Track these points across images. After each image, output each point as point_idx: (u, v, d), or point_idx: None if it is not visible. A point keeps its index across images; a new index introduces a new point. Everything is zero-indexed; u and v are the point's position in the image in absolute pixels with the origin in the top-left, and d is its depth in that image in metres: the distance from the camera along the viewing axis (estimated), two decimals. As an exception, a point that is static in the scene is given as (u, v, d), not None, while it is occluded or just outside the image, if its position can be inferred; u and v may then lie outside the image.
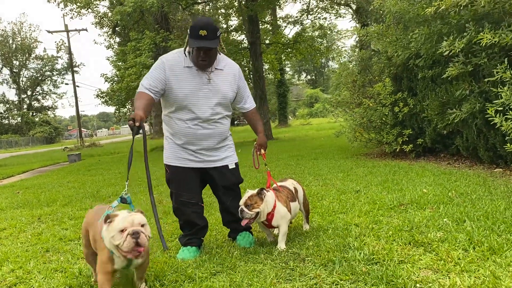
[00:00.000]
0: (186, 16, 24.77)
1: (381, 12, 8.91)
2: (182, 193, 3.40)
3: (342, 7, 23.55)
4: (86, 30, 33.07)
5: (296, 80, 73.98)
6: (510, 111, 4.77)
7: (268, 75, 31.45)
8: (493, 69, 5.17)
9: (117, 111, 21.23)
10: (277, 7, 23.69)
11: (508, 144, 4.93)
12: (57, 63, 61.46)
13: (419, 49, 6.89)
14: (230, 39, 21.91)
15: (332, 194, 5.20)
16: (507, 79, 4.88)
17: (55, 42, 73.79)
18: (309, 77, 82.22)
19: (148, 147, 21.33)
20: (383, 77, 8.92)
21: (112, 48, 27.92)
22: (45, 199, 6.88)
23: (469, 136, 6.42)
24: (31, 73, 61.43)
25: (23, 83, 61.44)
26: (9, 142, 51.46)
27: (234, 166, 3.55)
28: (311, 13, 22.93)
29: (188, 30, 3.16)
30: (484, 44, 5.16)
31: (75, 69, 44.46)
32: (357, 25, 20.82)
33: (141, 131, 2.98)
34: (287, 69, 55.13)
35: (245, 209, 3.21)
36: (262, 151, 3.64)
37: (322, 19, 23.60)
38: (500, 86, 4.88)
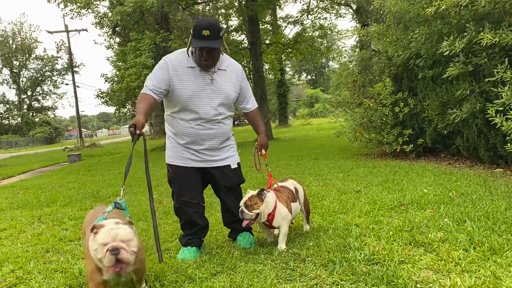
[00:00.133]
0: (186, 16, 24.77)
1: (381, 12, 8.91)
2: (184, 192, 3.40)
3: (342, 7, 23.56)
4: (86, 30, 33.12)
5: (297, 80, 73.98)
6: (511, 111, 4.77)
7: (268, 75, 31.44)
8: (493, 69, 5.17)
9: (117, 111, 21.19)
10: (277, 7, 23.70)
11: (509, 144, 4.93)
12: (57, 63, 61.52)
13: (419, 49, 6.89)
14: (230, 39, 21.92)
15: (333, 194, 5.19)
16: (507, 79, 4.88)
17: (55, 42, 73.87)
18: (309, 77, 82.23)
19: (148, 147, 21.35)
20: (384, 77, 8.92)
21: (112, 48, 27.92)
22: (45, 200, 6.88)
23: (469, 136, 6.41)
24: (31, 73, 61.48)
25: (23, 83, 61.46)
26: (9, 142, 51.47)
27: (236, 166, 3.55)
28: (311, 13, 22.94)
29: (191, 30, 3.16)
30: (484, 44, 5.16)
31: (75, 69, 44.51)
32: (357, 25, 20.82)
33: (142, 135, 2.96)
34: (287, 69, 55.17)
35: (245, 210, 3.21)
36: (263, 151, 3.64)
37: (322, 19, 23.62)
38: (501, 86, 4.88)
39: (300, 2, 23.95)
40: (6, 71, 59.67)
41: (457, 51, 5.63)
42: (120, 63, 19.27)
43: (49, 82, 62.86)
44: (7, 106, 61.04)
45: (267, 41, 23.40)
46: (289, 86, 46.75)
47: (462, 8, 5.56)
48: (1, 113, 60.77)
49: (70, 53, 34.72)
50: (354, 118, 9.15)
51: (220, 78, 3.34)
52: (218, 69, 3.34)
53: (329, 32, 24.77)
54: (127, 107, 20.55)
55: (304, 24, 23.76)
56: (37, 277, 3.16)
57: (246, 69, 22.92)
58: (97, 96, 20.95)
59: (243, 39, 23.29)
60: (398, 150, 8.11)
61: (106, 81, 19.62)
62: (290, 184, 3.67)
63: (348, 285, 2.53)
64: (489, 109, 5.01)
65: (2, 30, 58.36)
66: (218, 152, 3.46)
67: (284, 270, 2.83)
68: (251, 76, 20.05)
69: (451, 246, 2.95)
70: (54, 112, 66.09)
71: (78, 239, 4.19)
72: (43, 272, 3.23)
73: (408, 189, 5.01)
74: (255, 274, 2.80)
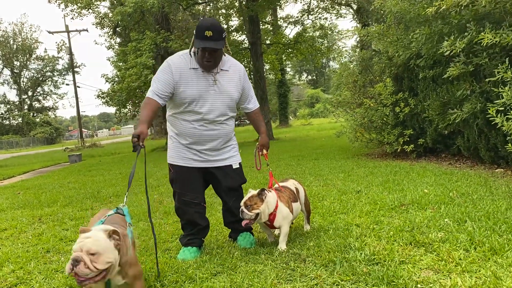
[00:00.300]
0: (187, 16, 24.76)
1: (382, 12, 8.91)
2: (186, 192, 3.40)
3: (343, 7, 23.55)
4: (86, 30, 33.05)
5: (297, 80, 73.95)
6: (511, 111, 4.76)
7: (269, 75, 31.43)
8: (494, 69, 5.17)
9: (118, 112, 21.18)
10: (278, 7, 23.70)
11: (509, 144, 4.92)
12: (57, 64, 61.52)
13: (420, 49, 6.89)
14: (231, 40, 21.92)
15: (333, 195, 5.19)
16: (508, 79, 4.87)
17: (56, 42, 73.68)
18: (310, 77, 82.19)
19: (149, 148, 21.35)
20: (384, 77, 8.91)
21: (113, 49, 27.93)
22: (45, 200, 6.88)
23: (470, 136, 6.41)
24: (32, 74, 61.50)
25: (24, 83, 61.50)
26: (10, 142, 51.50)
27: (238, 166, 3.56)
28: (311, 13, 22.93)
29: (194, 31, 3.16)
30: (485, 44, 5.15)
31: (76, 69, 44.56)
32: (358, 25, 20.82)
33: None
34: (288, 69, 55.13)
35: (245, 210, 3.21)
36: (264, 151, 3.64)
37: (323, 19, 23.64)
38: (501, 86, 4.88)
39: (301, 2, 23.97)
40: (7, 72, 59.76)
41: (458, 51, 5.62)
42: (121, 63, 19.27)
43: (49, 83, 62.90)
44: (8, 106, 61.08)
45: (268, 41, 23.41)
46: (289, 86, 46.75)
47: (462, 8, 5.56)
48: (2, 114, 60.83)
49: (70, 53, 34.74)
50: (355, 118, 9.15)
51: (223, 79, 3.34)
52: (221, 69, 3.34)
53: (329, 32, 24.79)
54: (128, 107, 20.54)
55: (305, 24, 23.76)
56: (37, 277, 3.16)
57: (247, 69, 22.91)
58: (98, 96, 20.96)
59: (244, 39, 23.30)
60: (398, 150, 8.11)
61: (106, 81, 19.64)
62: (291, 184, 3.67)
63: (348, 285, 2.53)
64: (489, 109, 5.01)
65: (3, 31, 58.47)
66: (220, 152, 3.46)
67: (284, 270, 2.83)
68: (252, 76, 20.05)
69: (452, 246, 2.94)
70: (54, 113, 66.15)
71: (78, 239, 4.19)
72: (43, 272, 3.24)
73: (408, 189, 5.01)
74: (255, 274, 2.80)
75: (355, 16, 22.92)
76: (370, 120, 8.64)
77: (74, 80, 33.05)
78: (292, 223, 3.73)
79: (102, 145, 32.84)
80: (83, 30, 32.93)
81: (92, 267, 2.14)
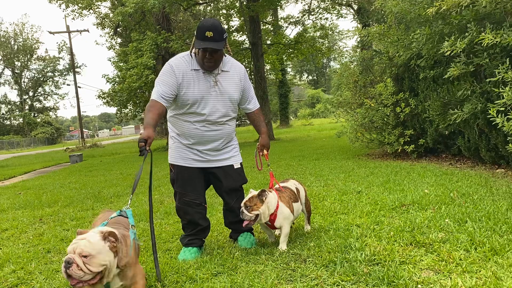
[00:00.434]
0: (187, 16, 24.79)
1: (382, 12, 8.91)
2: (187, 193, 3.41)
3: (344, 7, 23.54)
4: (87, 31, 33.12)
5: (298, 81, 73.89)
6: (512, 112, 4.77)
7: (269, 76, 31.43)
8: (494, 69, 5.17)
9: (118, 112, 21.20)
10: (279, 7, 23.70)
11: (510, 145, 4.92)
12: (58, 64, 61.59)
13: (420, 50, 6.89)
14: (232, 40, 21.92)
15: (334, 195, 5.19)
16: (508, 79, 4.87)
17: (57, 43, 74.05)
18: (310, 77, 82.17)
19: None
20: (385, 77, 8.91)
21: (114, 49, 27.93)
22: (46, 200, 6.89)
23: (470, 136, 6.41)
24: (33, 74, 61.59)
25: (25, 84, 61.59)
26: (11, 143, 51.55)
27: (239, 166, 3.56)
28: (312, 13, 22.94)
29: (195, 31, 3.16)
30: (485, 44, 5.15)
31: (77, 70, 44.58)
32: (359, 25, 20.82)
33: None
34: (289, 69, 55.04)
35: (245, 211, 3.21)
36: (265, 151, 3.64)
37: (324, 19, 23.64)
38: (502, 87, 4.87)
39: (301, 3, 23.95)
40: (8, 72, 59.87)
41: (458, 52, 5.62)
42: (122, 64, 19.29)
43: (50, 83, 62.98)
44: (9, 106, 61.20)
45: (269, 42, 23.40)
46: (290, 86, 46.73)
47: (463, 8, 5.56)
48: (3, 114, 60.93)
49: (71, 54, 34.77)
50: (355, 119, 9.15)
51: (224, 80, 3.34)
52: (222, 70, 3.34)
53: (330, 33, 24.72)
54: (129, 107, 20.56)
55: (305, 24, 23.76)
56: (38, 277, 3.17)
57: (248, 69, 22.92)
58: (99, 96, 20.99)
59: (244, 39, 23.30)
60: (399, 150, 8.11)
61: (107, 81, 19.65)
62: (292, 184, 3.67)
63: (349, 286, 2.53)
64: (490, 109, 5.01)
65: (4, 31, 58.49)
66: (221, 152, 3.47)
67: (285, 271, 2.84)
68: (253, 76, 20.05)
69: (452, 247, 2.94)
70: (55, 113, 66.26)
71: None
72: (44, 273, 3.24)
73: (409, 190, 5.01)
74: (256, 275, 2.80)
75: (355, 16, 22.93)
76: (371, 120, 8.64)
77: (75, 80, 33.09)
78: (292, 224, 3.73)
79: (103, 146, 32.86)
80: (84, 30, 32.99)
81: (85, 269, 2.11)
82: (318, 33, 23.50)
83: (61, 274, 3.17)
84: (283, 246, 3.28)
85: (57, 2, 22.04)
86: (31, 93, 62.44)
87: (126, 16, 17.66)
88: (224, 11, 22.88)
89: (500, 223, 3.34)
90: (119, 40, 28.05)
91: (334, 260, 2.88)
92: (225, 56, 3.37)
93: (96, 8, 23.93)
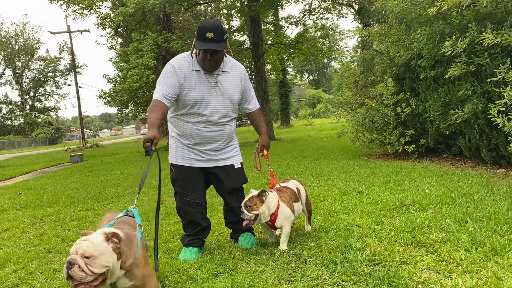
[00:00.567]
0: (188, 16, 24.80)
1: (383, 12, 8.90)
2: (187, 192, 3.41)
3: (344, 7, 23.54)
4: (88, 31, 33.10)
5: (298, 81, 73.87)
6: (513, 112, 4.76)
7: (270, 76, 31.44)
8: (495, 69, 5.16)
9: (119, 112, 21.22)
10: (279, 7, 23.69)
11: (511, 145, 4.92)
12: (59, 64, 61.69)
13: (421, 49, 6.88)
14: (232, 40, 21.92)
15: (334, 195, 5.19)
16: (509, 79, 4.87)
17: (58, 43, 74.05)
18: (311, 77, 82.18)
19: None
20: (385, 77, 8.91)
21: (115, 49, 27.95)
22: (47, 200, 6.90)
23: (471, 136, 6.40)
24: (34, 74, 61.67)
25: (26, 84, 61.67)
26: (12, 143, 51.61)
27: (239, 166, 3.56)
28: (313, 13, 22.93)
29: (196, 32, 3.16)
30: (486, 44, 5.15)
31: (78, 70, 44.63)
32: (359, 25, 20.82)
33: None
34: (289, 69, 55.05)
35: (245, 211, 3.21)
36: (265, 151, 3.64)
37: (324, 19, 23.61)
38: (503, 86, 4.87)
39: (302, 3, 23.89)
40: (9, 72, 59.95)
41: (459, 51, 5.62)
42: (122, 64, 19.31)
43: (51, 83, 63.07)
44: (10, 106, 61.27)
45: (269, 42, 23.40)
46: (291, 86, 46.73)
47: (464, 8, 5.56)
48: (4, 114, 61.00)
49: (72, 54, 34.77)
50: (356, 119, 9.15)
51: (225, 81, 3.35)
52: (222, 71, 3.34)
53: (331, 33, 24.71)
54: (130, 107, 20.59)
55: (306, 24, 23.75)
56: (39, 277, 3.17)
57: (248, 69, 22.92)
58: (100, 96, 21.02)
59: (245, 39, 23.31)
60: (400, 150, 8.10)
61: (108, 81, 19.68)
62: (292, 184, 3.67)
63: (349, 286, 2.53)
64: (491, 109, 5.00)
65: (5, 31, 58.54)
66: (222, 152, 3.47)
67: (285, 271, 2.84)
68: (253, 76, 20.06)
69: (453, 247, 2.94)
70: (56, 113, 66.31)
71: (80, 240, 4.20)
72: (45, 273, 3.25)
73: (410, 190, 5.01)
74: (256, 275, 2.80)
75: (356, 16, 22.92)
76: (372, 121, 8.63)
77: (75, 80, 33.10)
78: (293, 224, 3.73)
79: (103, 146, 32.87)
80: (85, 30, 32.98)
81: (87, 270, 2.09)
82: (318, 33, 23.50)
83: (62, 274, 3.18)
84: (283, 246, 3.29)
85: (58, 2, 22.08)
86: (32, 93, 62.51)
87: (127, 16, 17.68)
88: (225, 11, 22.89)
89: (501, 223, 3.33)
90: (120, 40, 28.08)
91: (334, 260, 2.89)
92: (226, 56, 3.37)
93: (97, 8, 23.96)
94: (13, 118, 61.53)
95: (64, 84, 67.67)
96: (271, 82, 37.62)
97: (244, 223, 3.24)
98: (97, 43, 56.85)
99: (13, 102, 61.49)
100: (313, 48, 22.48)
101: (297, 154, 11.27)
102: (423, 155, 8.00)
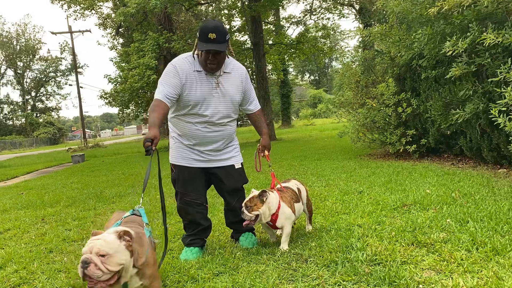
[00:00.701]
0: (189, 17, 24.81)
1: (384, 12, 8.90)
2: (188, 193, 3.42)
3: (345, 7, 23.53)
4: (89, 31, 33.17)
5: (300, 81, 73.89)
6: (514, 111, 4.76)
7: (271, 76, 31.43)
8: (496, 69, 5.16)
9: (120, 112, 21.25)
10: (280, 7, 23.69)
11: (512, 145, 4.91)
12: (61, 64, 61.81)
13: (422, 49, 6.88)
14: (233, 40, 21.92)
15: (335, 195, 5.19)
16: (510, 79, 4.86)
17: (59, 43, 73.93)
18: (312, 77, 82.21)
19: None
20: (386, 77, 8.90)
21: (116, 49, 27.99)
22: (48, 200, 6.91)
23: (472, 136, 6.40)
24: (35, 74, 61.81)
25: (27, 84, 61.80)
26: (13, 143, 51.69)
27: (240, 166, 3.57)
28: (314, 13, 22.92)
29: (197, 33, 3.16)
30: (487, 44, 5.14)
31: (79, 70, 44.68)
32: (360, 25, 20.81)
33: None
34: (291, 69, 55.06)
35: (245, 211, 3.22)
36: (266, 152, 3.64)
37: (325, 19, 23.59)
38: (504, 86, 4.87)
39: (303, 3, 23.90)
40: (10, 72, 60.06)
41: (460, 51, 5.62)
42: (124, 64, 19.32)
43: (53, 83, 63.22)
44: (11, 107, 61.39)
45: (270, 42, 23.39)
46: (292, 86, 46.70)
47: (464, 8, 5.55)
48: (5, 114, 61.11)
49: (73, 54, 34.84)
50: (357, 119, 9.14)
51: (226, 82, 3.35)
52: (224, 72, 3.34)
53: (332, 33, 24.71)
54: (131, 107, 20.60)
55: (307, 24, 23.73)
56: (40, 277, 3.18)
57: (249, 69, 22.92)
58: (101, 97, 21.04)
59: (246, 39, 23.32)
60: (401, 150, 8.10)
61: (109, 82, 19.68)
62: (293, 184, 3.67)
63: (350, 286, 2.53)
64: (492, 109, 5.00)
65: (6, 32, 58.65)
66: (222, 152, 3.48)
67: (286, 271, 2.84)
68: (254, 76, 20.06)
69: (454, 247, 2.94)
70: (57, 113, 66.43)
71: (81, 240, 4.21)
72: (46, 272, 3.25)
73: (411, 190, 5.01)
74: (257, 275, 2.81)
75: (357, 16, 22.92)
76: (373, 121, 8.63)
77: (77, 80, 33.14)
78: (294, 224, 3.73)
79: (105, 146, 32.91)
80: (86, 30, 33.04)
81: (103, 268, 2.07)
82: (320, 33, 23.48)
83: (63, 274, 3.19)
84: (284, 246, 3.29)
85: (59, 2, 22.11)
86: (33, 93, 62.63)
87: (128, 17, 17.69)
88: (226, 11, 22.89)
89: (502, 223, 3.33)
90: (121, 40, 28.12)
91: (335, 260, 2.89)
92: (227, 57, 3.37)
93: (98, 9, 24.00)
94: (14, 118, 61.67)
95: (66, 84, 67.85)
96: (272, 82, 37.62)
97: (245, 223, 3.25)
98: (98, 43, 57.22)
99: (14, 102, 61.64)
100: (314, 48, 22.46)
101: (298, 154, 11.27)
102: (424, 155, 8.00)
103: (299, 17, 23.60)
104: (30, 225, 5.13)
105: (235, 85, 3.40)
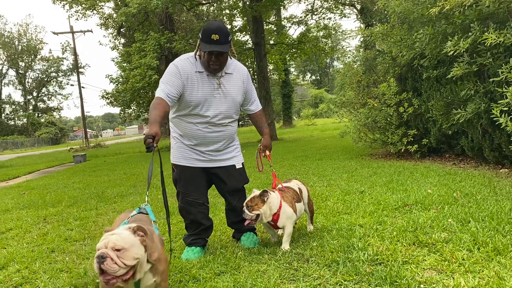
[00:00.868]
0: (190, 17, 24.84)
1: (385, 12, 8.90)
2: (189, 192, 3.42)
3: (347, 7, 23.53)
4: (91, 31, 33.18)
5: (301, 81, 73.85)
6: (515, 111, 4.76)
7: (272, 76, 31.44)
8: (498, 69, 5.15)
9: (122, 112, 21.29)
10: (282, 7, 23.70)
11: (514, 145, 4.91)
12: (62, 64, 61.92)
13: (423, 49, 6.88)
14: (235, 40, 21.93)
15: (337, 195, 5.19)
16: (512, 79, 4.87)
17: (61, 43, 74.43)
18: (313, 77, 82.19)
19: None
20: (388, 77, 8.90)
21: (117, 49, 28.04)
22: (50, 200, 6.92)
23: (474, 136, 6.39)
24: (37, 75, 61.93)
25: (29, 84, 61.92)
26: (15, 143, 51.77)
27: (241, 166, 3.58)
28: (315, 13, 22.94)
29: (200, 34, 3.16)
30: (489, 44, 5.14)
31: (80, 70, 44.75)
32: (362, 25, 20.81)
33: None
34: (292, 69, 55.05)
35: (246, 211, 3.22)
36: (267, 152, 3.65)
37: (327, 19, 23.59)
38: (505, 86, 4.87)
39: (304, 3, 23.93)
40: (12, 72, 60.17)
41: (462, 51, 5.61)
42: (125, 64, 19.35)
43: (54, 83, 63.34)
44: (13, 107, 61.52)
45: (272, 42, 23.40)
46: (293, 86, 46.71)
47: (466, 8, 5.55)
48: (7, 114, 61.22)
49: (75, 54, 34.89)
50: (359, 119, 9.14)
51: (227, 82, 3.35)
52: (225, 73, 3.35)
53: (333, 32, 24.72)
54: (132, 107, 20.64)
55: (309, 24, 23.75)
56: (42, 277, 3.18)
57: (251, 69, 22.94)
58: (102, 96, 21.09)
59: (248, 39, 23.31)
60: (402, 150, 8.09)
61: (111, 82, 19.72)
62: (295, 184, 3.68)
63: (351, 285, 2.53)
64: (493, 109, 5.00)
65: (8, 32, 58.75)
66: (223, 152, 3.48)
67: (287, 270, 2.84)
68: (256, 76, 20.08)
69: (455, 247, 2.94)
70: (59, 113, 66.59)
71: (83, 239, 4.22)
72: (48, 272, 3.26)
73: (412, 190, 5.00)
74: (258, 274, 2.81)
75: (358, 16, 22.90)
76: (374, 120, 8.63)
77: (78, 80, 33.20)
78: (295, 224, 3.73)
79: (106, 146, 32.95)
80: (88, 31, 33.06)
81: (120, 262, 2.06)
82: (321, 33, 23.48)
83: (65, 273, 3.20)
84: (286, 245, 3.29)
85: (61, 2, 22.16)
86: (35, 94, 62.74)
87: (129, 17, 17.72)
88: (227, 11, 22.91)
89: (503, 223, 3.33)
90: (122, 40, 28.17)
91: (336, 260, 2.89)
92: (230, 58, 3.38)
93: (100, 9, 24.05)
94: (16, 118, 61.77)
95: (67, 84, 67.96)
96: (274, 82, 37.63)
97: (246, 222, 3.26)
98: (100, 44, 57.32)
99: (16, 102, 61.78)
100: (315, 48, 22.47)
101: (299, 154, 11.27)
102: (426, 155, 7.99)
103: (301, 17, 23.64)
104: (32, 225, 5.15)
105: (236, 86, 3.41)
